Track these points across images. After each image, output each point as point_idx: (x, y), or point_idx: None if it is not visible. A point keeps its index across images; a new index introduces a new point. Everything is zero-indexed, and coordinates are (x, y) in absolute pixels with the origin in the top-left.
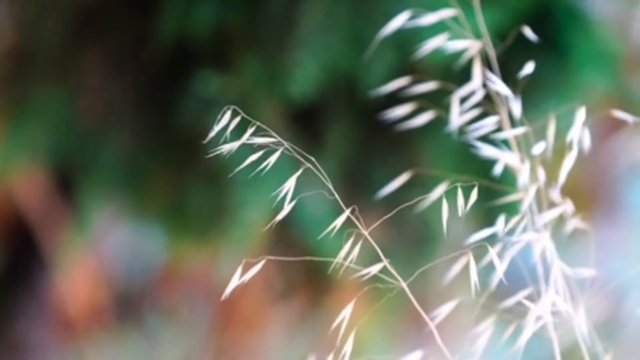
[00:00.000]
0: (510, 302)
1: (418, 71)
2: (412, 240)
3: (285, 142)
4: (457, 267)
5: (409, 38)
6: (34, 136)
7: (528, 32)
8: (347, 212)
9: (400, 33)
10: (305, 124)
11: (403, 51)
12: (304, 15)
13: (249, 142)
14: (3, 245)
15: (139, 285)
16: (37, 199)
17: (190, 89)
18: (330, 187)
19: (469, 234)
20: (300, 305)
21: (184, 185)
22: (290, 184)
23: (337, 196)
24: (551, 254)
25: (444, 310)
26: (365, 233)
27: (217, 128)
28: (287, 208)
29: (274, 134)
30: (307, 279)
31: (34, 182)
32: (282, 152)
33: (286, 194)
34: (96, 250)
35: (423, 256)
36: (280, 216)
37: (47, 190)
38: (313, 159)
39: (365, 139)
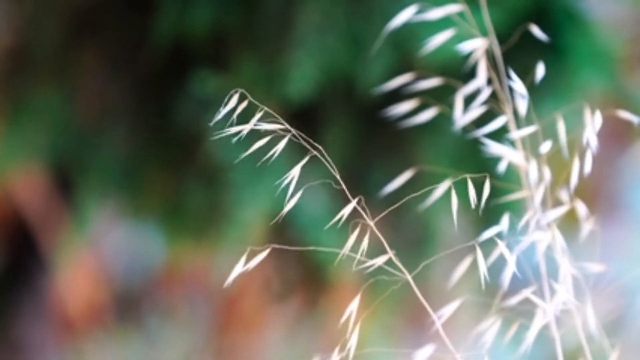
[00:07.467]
0: (514, 300)
1: (416, 70)
2: (411, 240)
3: (292, 129)
4: (464, 265)
5: (407, 37)
6: (32, 136)
7: (536, 31)
8: (354, 203)
9: (398, 32)
10: (303, 124)
11: (401, 51)
12: (301, 15)
13: (256, 127)
14: (3, 245)
15: (138, 285)
16: (36, 199)
17: (187, 90)
18: (337, 176)
19: (468, 233)
20: (299, 305)
21: (181, 185)
22: (294, 172)
23: (343, 185)
24: (562, 251)
25: (449, 309)
26: (371, 224)
27: (223, 111)
28: (293, 199)
29: (281, 120)
30: (305, 278)
31: (32, 182)
32: (286, 150)
33: (289, 183)
34: (96, 250)
35: (422, 256)
36: (287, 208)
37: (46, 190)
38: (320, 147)
39: (363, 138)
